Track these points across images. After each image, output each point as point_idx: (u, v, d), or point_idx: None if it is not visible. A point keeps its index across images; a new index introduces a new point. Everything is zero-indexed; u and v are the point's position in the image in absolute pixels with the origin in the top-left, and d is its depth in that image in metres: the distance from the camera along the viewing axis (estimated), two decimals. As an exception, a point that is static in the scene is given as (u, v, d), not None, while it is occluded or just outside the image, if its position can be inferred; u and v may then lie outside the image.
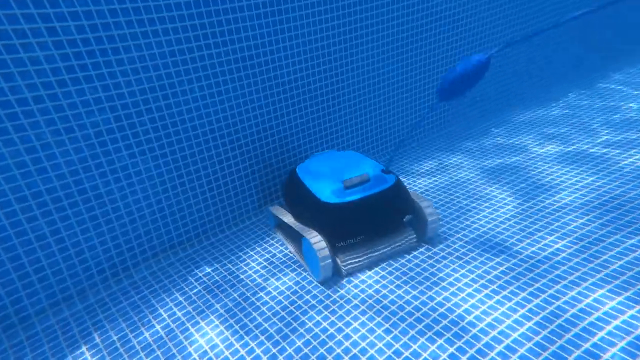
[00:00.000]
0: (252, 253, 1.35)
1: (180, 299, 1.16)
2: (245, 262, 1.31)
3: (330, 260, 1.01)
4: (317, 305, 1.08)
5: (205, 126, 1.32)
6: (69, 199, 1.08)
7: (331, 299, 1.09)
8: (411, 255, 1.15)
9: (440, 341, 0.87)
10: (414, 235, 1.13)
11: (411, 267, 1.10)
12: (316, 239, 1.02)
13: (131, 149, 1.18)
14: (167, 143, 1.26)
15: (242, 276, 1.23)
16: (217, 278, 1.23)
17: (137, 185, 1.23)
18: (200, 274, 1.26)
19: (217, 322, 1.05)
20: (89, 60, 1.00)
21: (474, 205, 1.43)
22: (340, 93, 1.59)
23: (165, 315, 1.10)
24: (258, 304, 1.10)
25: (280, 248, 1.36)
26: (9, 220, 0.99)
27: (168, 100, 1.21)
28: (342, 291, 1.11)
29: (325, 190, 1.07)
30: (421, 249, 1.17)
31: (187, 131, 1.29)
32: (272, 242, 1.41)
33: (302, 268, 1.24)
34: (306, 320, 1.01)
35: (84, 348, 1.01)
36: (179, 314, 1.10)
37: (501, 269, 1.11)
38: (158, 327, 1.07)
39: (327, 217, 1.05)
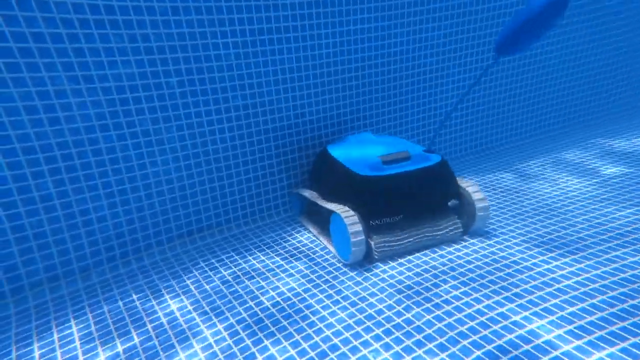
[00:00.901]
0: (268, 250, 1.14)
1: (192, 287, 0.96)
2: (262, 257, 1.09)
3: (363, 237, 0.88)
4: (325, 299, 0.83)
5: (238, 99, 1.17)
6: (81, 158, 0.95)
7: (352, 290, 0.85)
8: (453, 247, 0.98)
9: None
10: (459, 224, 0.99)
11: (452, 259, 0.92)
12: (348, 213, 0.90)
13: (155, 112, 1.04)
14: (195, 113, 1.12)
15: (255, 271, 1.02)
16: (231, 274, 1.03)
17: (158, 155, 1.08)
18: (216, 265, 1.06)
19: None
20: (117, 2, 0.89)
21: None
22: (376, 80, 1.39)
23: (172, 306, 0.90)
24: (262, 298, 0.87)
25: (301, 239, 1.14)
26: (12, 172, 0.86)
27: (200, 64, 1.07)
28: (366, 283, 0.86)
29: (361, 165, 0.96)
30: (467, 242, 0.98)
31: (217, 102, 1.14)
32: (296, 234, 1.19)
33: (324, 252, 1.00)
34: (315, 319, 0.75)
35: (73, 328, 0.83)
36: (186, 301, 0.90)
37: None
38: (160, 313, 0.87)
39: (363, 191, 0.92)
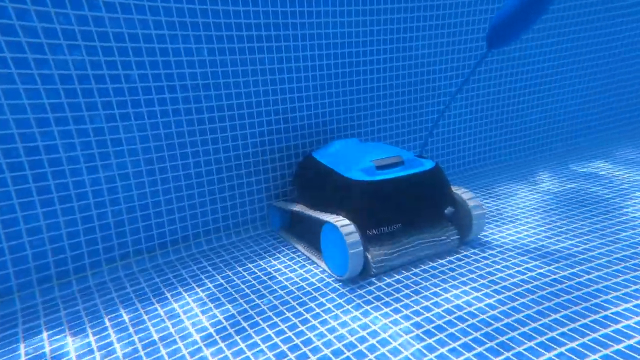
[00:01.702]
0: (241, 269, 0.95)
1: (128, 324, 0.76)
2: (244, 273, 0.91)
3: (361, 248, 0.78)
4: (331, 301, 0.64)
5: (211, 100, 1.02)
6: (9, 157, 0.77)
7: (353, 303, 0.66)
8: (448, 258, 0.90)
9: None
10: (456, 233, 0.92)
11: (452, 269, 0.84)
12: (343, 223, 0.80)
13: (111, 108, 0.89)
14: (161, 112, 0.97)
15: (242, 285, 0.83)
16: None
17: (114, 158, 0.91)
18: (192, 285, 0.87)
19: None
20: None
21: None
22: (359, 88, 1.26)
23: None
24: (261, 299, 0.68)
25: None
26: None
27: (167, 57, 0.93)
28: (360, 291, 0.68)
29: (353, 169, 0.87)
30: (465, 252, 0.92)
31: (187, 101, 0.99)
32: (277, 253, 1.01)
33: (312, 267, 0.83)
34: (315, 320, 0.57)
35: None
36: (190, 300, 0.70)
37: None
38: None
39: (357, 197, 0.83)
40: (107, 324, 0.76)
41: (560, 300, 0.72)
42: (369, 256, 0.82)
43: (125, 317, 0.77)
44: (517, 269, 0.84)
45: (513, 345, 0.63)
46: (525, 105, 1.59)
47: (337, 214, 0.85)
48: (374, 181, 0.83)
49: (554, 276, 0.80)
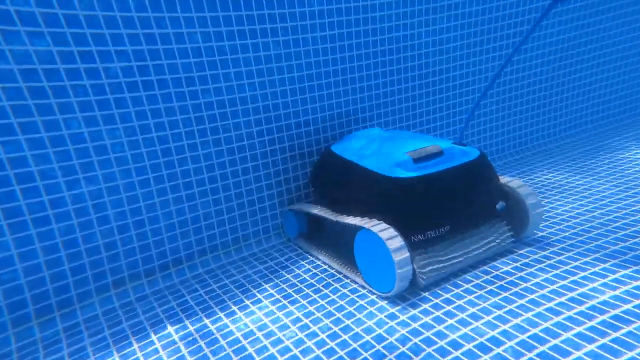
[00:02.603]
0: (256, 291, 0.79)
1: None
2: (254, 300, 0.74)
3: (408, 256, 0.64)
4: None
5: (210, 95, 0.86)
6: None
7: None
8: (501, 260, 0.75)
9: None
10: (510, 230, 0.79)
11: (500, 276, 0.68)
12: (382, 227, 0.66)
13: (90, 110, 0.72)
14: (152, 111, 0.80)
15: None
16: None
17: (99, 169, 0.75)
18: (183, 320, 0.71)
19: None
20: None
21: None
22: (377, 72, 1.09)
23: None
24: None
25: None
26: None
27: (154, 45, 0.77)
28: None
29: (385, 165, 0.72)
30: (519, 251, 0.77)
31: (182, 98, 0.83)
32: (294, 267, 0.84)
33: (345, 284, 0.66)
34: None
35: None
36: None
37: None
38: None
39: (397, 198, 0.68)
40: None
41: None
42: (415, 266, 0.68)
43: (120, 364, 0.61)
44: (592, 270, 0.67)
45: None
46: (569, 86, 1.41)
47: (370, 219, 0.70)
48: (415, 177, 0.67)
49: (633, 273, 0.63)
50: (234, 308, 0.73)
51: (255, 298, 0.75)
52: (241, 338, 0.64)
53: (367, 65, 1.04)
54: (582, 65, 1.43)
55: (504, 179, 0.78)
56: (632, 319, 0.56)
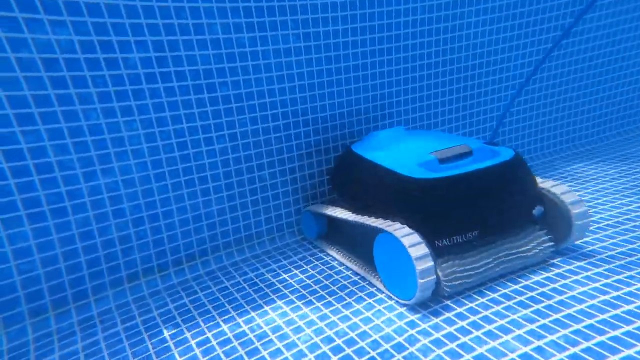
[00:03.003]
0: (275, 296, 0.76)
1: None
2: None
3: (432, 264, 0.60)
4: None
5: (227, 88, 0.83)
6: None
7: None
8: (532, 269, 0.69)
9: None
10: (548, 239, 0.71)
11: (531, 286, 0.63)
12: (404, 231, 0.62)
13: (109, 101, 0.71)
14: (169, 104, 0.78)
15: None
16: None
17: (115, 160, 0.74)
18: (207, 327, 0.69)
19: None
20: None
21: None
22: (399, 68, 1.04)
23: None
24: None
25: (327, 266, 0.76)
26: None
27: (173, 36, 0.75)
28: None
29: (409, 165, 0.68)
30: (551, 261, 0.71)
31: (199, 90, 0.81)
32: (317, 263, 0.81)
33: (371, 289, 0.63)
34: None
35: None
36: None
37: None
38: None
39: (420, 200, 0.64)
40: (109, 369, 0.59)
41: None
42: (440, 273, 0.63)
43: (130, 356, 0.60)
44: (637, 285, 0.61)
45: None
46: (609, 84, 1.32)
47: (392, 221, 0.66)
48: (440, 178, 0.63)
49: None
50: (247, 308, 0.70)
51: (269, 298, 0.72)
52: (254, 340, 0.62)
53: (389, 60, 1.00)
54: (627, 62, 1.34)
55: (545, 183, 0.72)
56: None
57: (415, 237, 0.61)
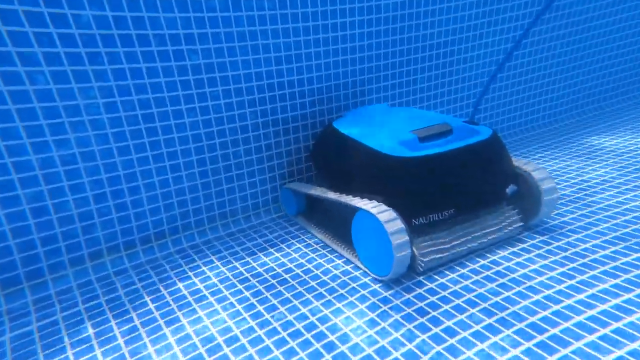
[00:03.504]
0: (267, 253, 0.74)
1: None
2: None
3: (407, 239, 0.60)
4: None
5: (197, 57, 0.76)
6: None
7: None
8: (509, 246, 0.70)
9: None
10: (518, 216, 0.73)
11: (498, 262, 0.64)
12: (381, 209, 0.61)
13: (59, 64, 0.63)
14: (132, 71, 0.71)
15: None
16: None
17: (71, 131, 0.67)
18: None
19: None
20: None
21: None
22: (379, 41, 0.99)
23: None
24: None
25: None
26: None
27: (135, 2, 0.66)
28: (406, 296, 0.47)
29: (389, 143, 0.66)
30: (530, 240, 0.71)
31: (162, 58, 0.73)
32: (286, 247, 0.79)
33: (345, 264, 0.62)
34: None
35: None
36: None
37: None
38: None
39: (399, 179, 0.64)
40: (67, 342, 0.55)
41: None
42: (415, 250, 0.63)
43: (93, 336, 0.56)
44: (593, 256, 0.62)
45: None
46: (581, 62, 1.32)
47: (370, 199, 0.65)
48: (419, 157, 0.62)
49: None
50: (220, 287, 0.67)
51: (243, 277, 0.70)
52: (227, 318, 0.59)
53: (369, 33, 0.95)
54: (597, 40, 1.34)
55: (518, 162, 0.73)
56: (633, 308, 0.52)
57: (391, 214, 0.60)
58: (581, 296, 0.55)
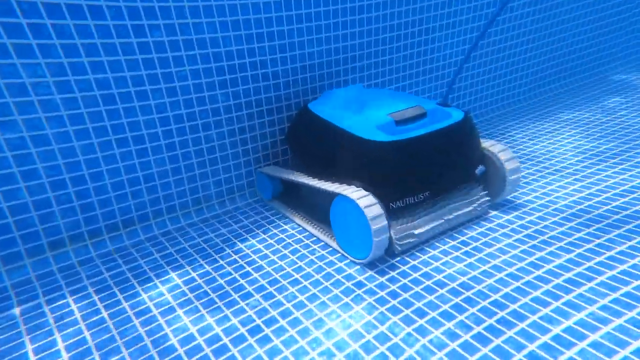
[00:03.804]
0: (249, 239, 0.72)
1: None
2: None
3: (386, 224, 0.60)
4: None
5: (159, 32, 0.70)
6: None
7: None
8: (477, 226, 0.71)
9: None
10: (485, 194, 0.74)
11: (467, 242, 0.66)
12: (360, 194, 0.61)
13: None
14: (90, 47, 0.64)
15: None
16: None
17: (19, 113, 0.60)
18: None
19: None
20: None
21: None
22: (353, 19, 0.96)
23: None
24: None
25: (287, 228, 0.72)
26: None
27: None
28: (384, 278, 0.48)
29: (366, 127, 0.65)
30: (496, 220, 0.73)
31: (126, 32, 0.66)
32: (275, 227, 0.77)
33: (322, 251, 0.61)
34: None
35: None
36: None
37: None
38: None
39: (377, 163, 0.62)
40: (25, 337, 0.51)
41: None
42: (392, 232, 0.64)
43: (56, 331, 0.53)
44: (551, 234, 0.65)
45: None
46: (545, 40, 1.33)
47: (349, 184, 0.64)
48: (397, 141, 0.61)
49: (598, 238, 0.61)
50: (194, 275, 0.65)
51: (218, 264, 0.68)
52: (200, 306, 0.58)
53: (343, 10, 0.90)
54: (564, 17, 1.36)
55: (486, 143, 0.74)
56: (582, 281, 0.54)
57: (371, 199, 0.60)
58: (539, 272, 0.58)
